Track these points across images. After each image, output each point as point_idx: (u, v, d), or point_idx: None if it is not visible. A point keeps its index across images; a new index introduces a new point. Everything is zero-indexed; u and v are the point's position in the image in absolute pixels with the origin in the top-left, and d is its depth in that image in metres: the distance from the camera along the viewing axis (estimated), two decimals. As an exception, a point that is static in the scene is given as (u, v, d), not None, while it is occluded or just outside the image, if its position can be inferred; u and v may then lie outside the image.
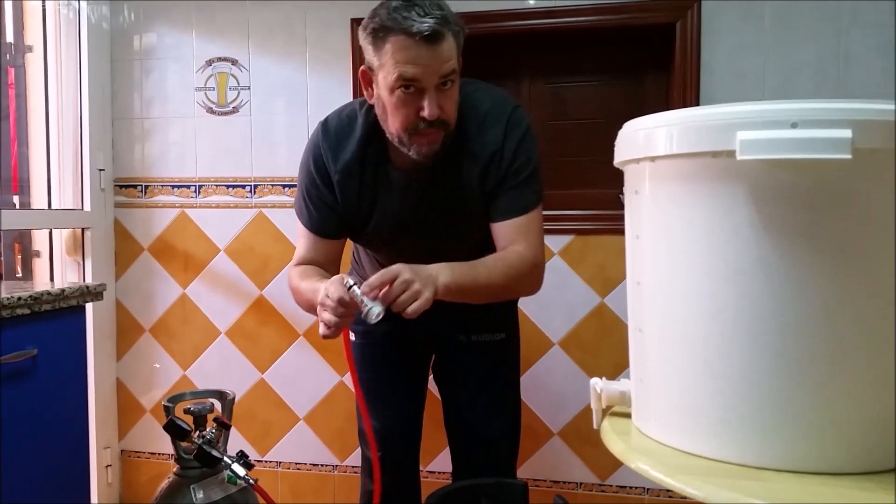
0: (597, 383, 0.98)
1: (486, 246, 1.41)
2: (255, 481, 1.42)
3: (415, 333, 1.58)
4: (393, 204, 1.41)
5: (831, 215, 0.75)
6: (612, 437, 0.91)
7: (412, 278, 1.17)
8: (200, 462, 1.42)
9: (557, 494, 1.06)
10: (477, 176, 1.36)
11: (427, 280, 1.19)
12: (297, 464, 2.48)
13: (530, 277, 1.36)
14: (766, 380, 0.76)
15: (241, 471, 1.41)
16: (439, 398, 1.65)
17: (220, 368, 2.48)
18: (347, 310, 1.18)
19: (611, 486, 2.24)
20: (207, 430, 1.48)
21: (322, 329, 1.21)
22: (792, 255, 0.76)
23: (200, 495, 1.43)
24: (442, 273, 1.23)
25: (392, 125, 1.29)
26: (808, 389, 0.76)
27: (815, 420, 0.76)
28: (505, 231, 1.37)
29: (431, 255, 1.41)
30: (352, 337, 1.61)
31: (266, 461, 2.49)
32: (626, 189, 0.94)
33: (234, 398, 1.58)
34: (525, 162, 1.37)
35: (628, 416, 0.97)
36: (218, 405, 1.56)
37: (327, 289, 1.20)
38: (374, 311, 1.16)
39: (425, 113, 1.23)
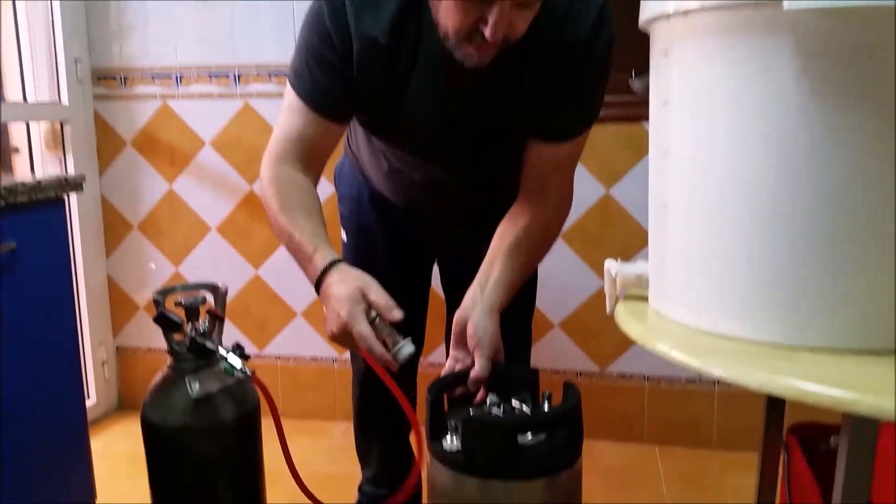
0: (611, 266, 0.92)
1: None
2: (252, 373, 1.38)
3: (419, 240, 1.48)
4: (426, 106, 1.14)
5: (888, 73, 0.66)
6: (629, 319, 0.85)
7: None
8: (194, 354, 1.37)
9: (567, 381, 1.02)
10: (547, 82, 1.12)
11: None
12: (296, 357, 2.47)
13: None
14: (805, 254, 0.70)
15: (237, 362, 1.37)
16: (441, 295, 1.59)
17: (213, 265, 2.43)
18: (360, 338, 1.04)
19: (611, 374, 2.24)
20: (200, 322, 1.43)
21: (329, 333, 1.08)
22: (840, 119, 0.67)
23: (196, 387, 1.40)
24: (496, 311, 1.13)
25: (441, 17, 1.01)
26: (851, 264, 0.69)
27: (856, 296, 0.70)
28: (546, 157, 1.18)
29: (458, 185, 1.29)
30: (343, 237, 1.52)
31: (265, 355, 2.48)
32: (652, 51, 0.84)
33: (226, 291, 1.52)
34: (604, 72, 1.15)
35: (644, 300, 0.92)
36: (210, 298, 1.50)
37: (343, 314, 1.02)
38: (405, 351, 1.05)
39: (487, 33, 0.96)
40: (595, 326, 2.22)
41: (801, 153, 0.69)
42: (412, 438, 1.62)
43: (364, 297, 1.04)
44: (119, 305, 2.56)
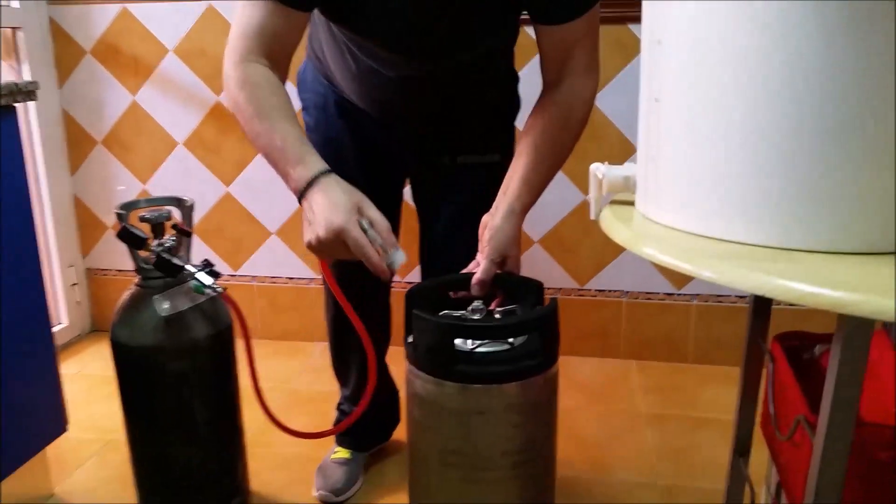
0: (598, 168, 0.87)
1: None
2: (223, 290, 1.33)
3: (390, 151, 1.39)
4: None
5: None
6: (615, 224, 0.81)
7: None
8: (161, 271, 1.32)
9: (553, 298, 0.98)
10: None
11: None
12: (272, 278, 2.42)
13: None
14: (803, 153, 0.65)
15: (206, 279, 1.32)
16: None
17: (182, 181, 2.34)
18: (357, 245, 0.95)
19: (589, 290, 2.23)
20: (166, 237, 1.37)
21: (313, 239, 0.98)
22: (848, 11, 0.61)
23: (166, 305, 1.35)
24: (521, 219, 1.10)
25: None
26: (849, 164, 0.65)
27: (854, 196, 0.65)
28: (566, 37, 1.10)
29: (433, 82, 1.20)
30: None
31: (240, 275, 2.43)
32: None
33: (192, 205, 1.46)
34: None
35: (631, 204, 0.87)
36: (177, 213, 1.44)
37: (337, 221, 0.94)
38: (399, 258, 0.98)
39: None
40: (575, 243, 2.19)
41: (812, 41, 0.63)
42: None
43: (360, 210, 0.97)
44: (87, 225, 2.48)
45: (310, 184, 0.99)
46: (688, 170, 0.74)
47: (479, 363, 0.94)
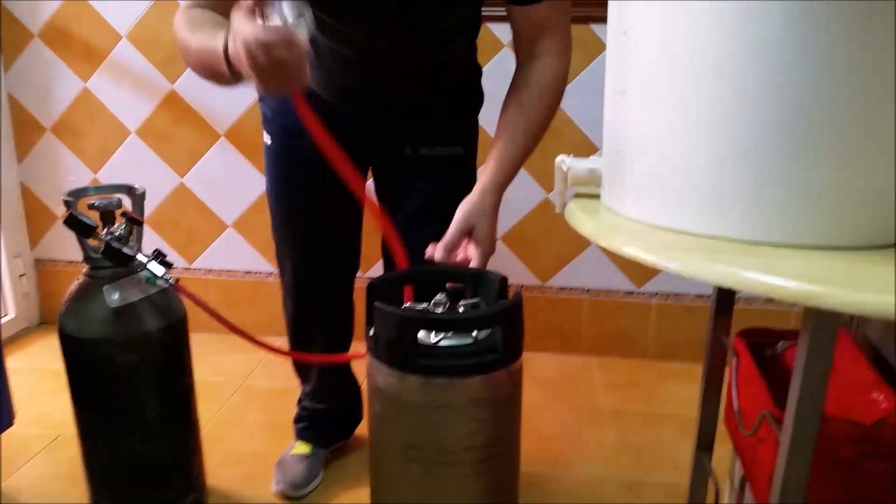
0: (563, 161, 0.86)
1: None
2: (176, 281, 1.29)
3: (347, 142, 1.36)
4: None
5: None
6: (580, 216, 0.80)
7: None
8: (110, 260, 1.27)
9: (518, 291, 0.97)
10: None
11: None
12: (228, 270, 2.36)
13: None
14: (771, 147, 0.65)
15: (158, 269, 1.28)
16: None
17: (135, 171, 2.27)
18: (285, 41, 0.83)
19: (551, 287, 2.23)
20: (116, 226, 1.32)
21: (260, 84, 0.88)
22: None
23: (115, 296, 1.30)
24: (495, 197, 1.10)
25: None
26: (817, 158, 0.64)
27: (822, 191, 0.65)
28: (538, 17, 1.09)
29: (396, 64, 1.17)
30: (266, 140, 1.40)
31: (194, 268, 2.37)
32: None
33: (143, 193, 1.41)
34: None
35: (596, 197, 0.86)
36: (127, 201, 1.38)
37: (240, 29, 0.84)
38: (305, 18, 0.86)
39: None
40: (537, 240, 2.19)
41: (773, 35, 0.62)
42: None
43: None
44: (35, 215, 2.39)
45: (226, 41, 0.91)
46: (653, 162, 0.73)
47: (441, 356, 0.92)
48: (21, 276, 2.36)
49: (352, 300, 1.55)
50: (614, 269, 2.18)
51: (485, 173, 1.11)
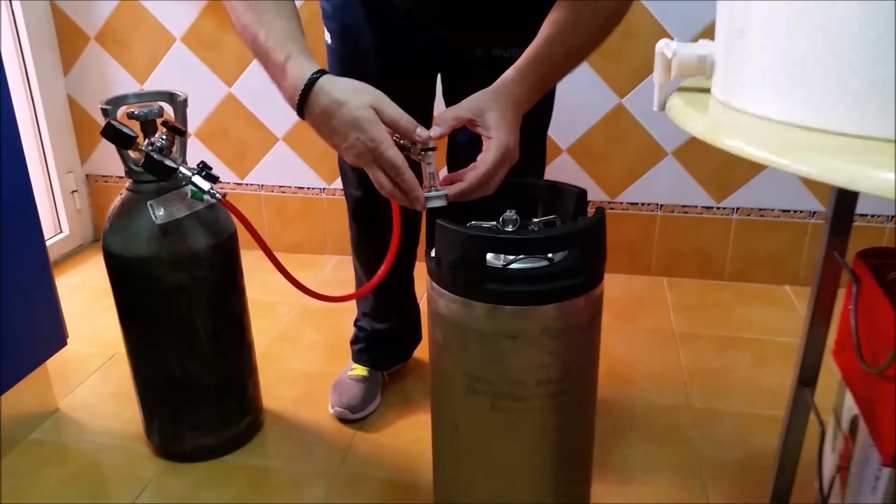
0: (666, 45, 0.71)
1: None
2: (223, 196, 1.20)
3: (416, 43, 1.21)
4: None
5: None
6: (688, 113, 0.66)
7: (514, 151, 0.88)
8: (151, 173, 1.18)
9: (600, 207, 0.84)
10: None
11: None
12: (280, 186, 2.28)
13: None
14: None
15: (203, 183, 1.19)
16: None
17: (182, 81, 2.17)
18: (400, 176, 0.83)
19: (620, 203, 2.08)
20: (157, 136, 1.23)
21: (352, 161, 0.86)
22: None
23: (161, 212, 1.22)
24: (519, 90, 0.92)
25: None
26: None
27: None
28: None
29: None
30: (326, 38, 1.27)
31: (246, 184, 2.29)
32: None
33: (185, 99, 1.30)
34: None
35: (703, 91, 0.71)
36: (169, 109, 1.29)
37: (363, 139, 0.81)
38: (436, 203, 0.86)
39: None
40: (606, 151, 2.02)
41: None
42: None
43: (380, 114, 0.83)
44: (84, 129, 2.33)
45: (305, 93, 0.85)
46: (782, 46, 0.58)
47: (512, 281, 0.81)
48: (73, 192, 2.33)
49: (419, 228, 1.44)
50: (692, 182, 2.01)
51: (513, 66, 0.95)
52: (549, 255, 0.83)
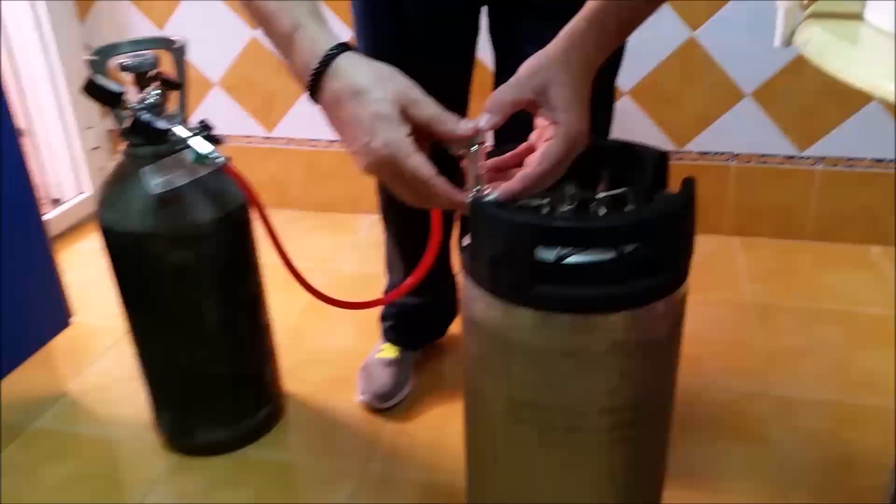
0: (797, -44, 0.49)
1: None
2: (227, 160, 1.03)
3: None
4: None
5: None
6: (836, 48, 0.44)
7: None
8: (139, 137, 1.01)
9: (689, 178, 0.64)
10: None
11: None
12: (311, 141, 2.10)
13: None
14: None
15: (203, 147, 1.01)
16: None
17: (202, 26, 1.99)
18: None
19: (690, 152, 1.84)
20: (148, 91, 1.05)
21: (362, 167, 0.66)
22: None
23: (157, 181, 1.05)
24: (581, 54, 0.68)
25: None
26: None
27: None
28: None
29: None
30: None
31: (274, 137, 2.12)
32: None
33: (183, 46, 1.11)
34: None
35: (847, 17, 0.50)
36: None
37: (379, 146, 0.62)
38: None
39: None
40: (674, 94, 1.77)
41: None
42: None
43: (405, 113, 0.63)
44: (103, 81, 2.18)
45: (319, 73, 0.64)
46: None
47: (569, 281, 0.62)
48: (94, 149, 2.20)
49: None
50: (772, 128, 1.76)
51: (570, 24, 0.71)
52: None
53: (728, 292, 1.66)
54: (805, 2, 0.49)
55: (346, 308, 1.01)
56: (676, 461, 1.18)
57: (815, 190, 1.80)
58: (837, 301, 1.61)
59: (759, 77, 1.70)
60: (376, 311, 1.43)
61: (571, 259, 0.63)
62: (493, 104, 0.66)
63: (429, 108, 0.63)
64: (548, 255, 0.63)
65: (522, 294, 0.62)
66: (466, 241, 0.67)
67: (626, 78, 1.78)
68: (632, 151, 0.71)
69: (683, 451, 1.21)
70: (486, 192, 0.64)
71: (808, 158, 1.78)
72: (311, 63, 0.64)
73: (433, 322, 1.44)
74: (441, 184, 0.63)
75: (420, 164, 0.62)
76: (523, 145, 0.70)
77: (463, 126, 0.63)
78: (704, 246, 1.83)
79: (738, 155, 1.81)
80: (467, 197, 0.64)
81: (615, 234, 0.59)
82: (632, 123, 1.81)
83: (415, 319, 1.40)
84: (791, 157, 1.78)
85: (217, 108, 2.08)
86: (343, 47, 0.65)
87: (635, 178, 0.71)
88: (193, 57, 2.02)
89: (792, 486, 1.13)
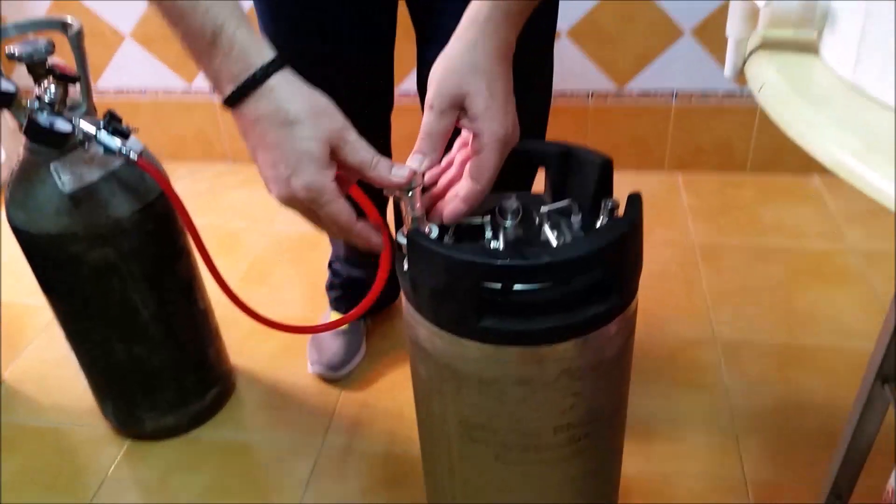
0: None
1: None
2: (139, 154, 0.94)
3: None
4: None
5: None
6: (798, 110, 0.40)
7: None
8: (40, 143, 0.92)
9: (636, 195, 0.60)
10: None
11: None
12: (237, 89, 1.97)
13: None
14: None
15: (112, 142, 0.93)
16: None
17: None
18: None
19: (630, 93, 1.79)
20: (44, 87, 0.94)
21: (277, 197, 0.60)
22: None
23: (68, 177, 0.97)
24: (498, 37, 0.61)
25: None
26: None
27: None
28: None
29: None
30: None
31: (196, 91, 1.98)
32: None
33: (80, 30, 1.00)
34: None
35: (805, 50, 0.46)
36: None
37: (299, 187, 0.57)
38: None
39: None
40: (613, 33, 1.71)
41: None
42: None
43: (334, 154, 0.58)
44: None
45: (246, 86, 0.57)
46: None
47: (517, 312, 0.59)
48: None
49: (388, 127, 1.18)
50: (712, 65, 1.72)
51: (471, 6, 0.63)
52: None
53: (673, 232, 1.66)
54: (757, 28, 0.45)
55: (293, 332, 0.95)
56: (634, 411, 1.20)
57: (756, 123, 1.80)
58: (780, 236, 1.62)
59: (697, 14, 1.65)
60: (323, 279, 1.39)
61: (517, 286, 0.59)
62: (425, 143, 0.61)
63: (361, 153, 0.58)
64: (493, 284, 0.60)
65: (467, 328, 0.59)
66: (405, 265, 0.63)
67: (564, 19, 1.71)
68: (573, 156, 0.67)
69: (640, 403, 1.22)
70: (425, 228, 0.61)
71: (749, 94, 1.76)
72: (237, 75, 0.57)
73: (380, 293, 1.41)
74: (361, 229, 0.60)
75: (339, 210, 0.57)
76: (445, 161, 0.66)
77: (397, 174, 0.58)
78: (648, 184, 1.84)
79: (678, 93, 1.78)
80: (402, 233, 0.60)
81: (563, 268, 0.56)
82: (571, 65, 1.75)
83: (362, 290, 1.36)
84: (731, 94, 1.76)
85: (131, 62, 1.93)
86: (277, 64, 0.58)
87: (577, 184, 0.67)
88: (101, 8, 1.86)
89: (744, 432, 1.16)
